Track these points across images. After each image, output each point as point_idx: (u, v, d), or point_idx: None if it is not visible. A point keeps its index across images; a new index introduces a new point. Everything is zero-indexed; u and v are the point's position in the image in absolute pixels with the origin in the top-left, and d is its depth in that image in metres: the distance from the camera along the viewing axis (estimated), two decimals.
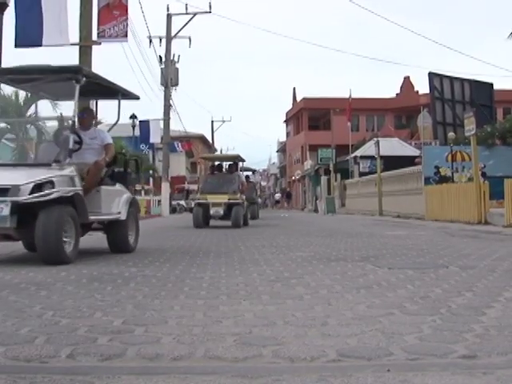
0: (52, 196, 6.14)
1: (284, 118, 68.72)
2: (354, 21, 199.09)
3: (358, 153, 36.04)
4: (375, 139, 28.99)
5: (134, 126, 32.02)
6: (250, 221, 19.15)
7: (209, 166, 17.80)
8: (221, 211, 15.55)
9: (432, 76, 26.05)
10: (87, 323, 3.14)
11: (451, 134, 21.52)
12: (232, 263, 6.34)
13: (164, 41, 28.75)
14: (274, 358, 2.46)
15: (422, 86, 42.40)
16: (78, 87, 6.86)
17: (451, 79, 26.76)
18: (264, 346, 2.62)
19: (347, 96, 39.44)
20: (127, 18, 12.86)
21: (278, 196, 69.12)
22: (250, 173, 28.85)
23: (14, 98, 25.67)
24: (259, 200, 51.04)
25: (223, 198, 15.60)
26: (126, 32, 12.94)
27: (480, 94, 26.28)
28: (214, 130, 56.99)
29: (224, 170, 18.35)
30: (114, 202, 7.57)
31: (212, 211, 15.66)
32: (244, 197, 16.58)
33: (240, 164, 19.46)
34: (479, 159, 16.73)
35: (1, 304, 3.77)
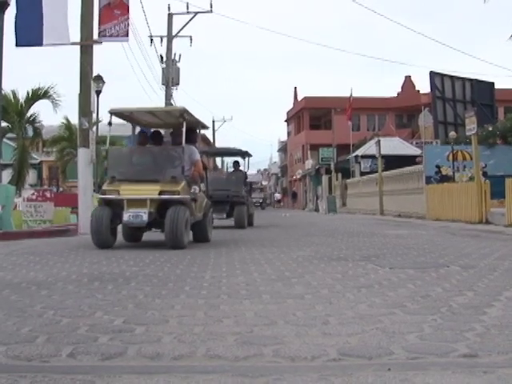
0: None
1: (285, 117, 68.71)
2: (356, 20, 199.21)
3: (359, 152, 36.02)
4: (376, 138, 28.98)
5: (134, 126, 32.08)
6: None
7: (138, 136, 10.34)
8: (144, 216, 8.32)
9: (433, 75, 26.03)
10: (88, 322, 3.14)
11: (452, 134, 21.51)
12: (233, 263, 6.34)
13: (165, 40, 28.73)
14: (274, 357, 2.46)
15: (423, 86, 42.40)
16: None
17: (452, 78, 26.74)
18: (265, 345, 2.62)
19: (348, 95, 39.42)
20: (128, 18, 12.86)
21: (278, 196, 69.09)
22: (239, 158, 18.46)
23: (12, 97, 25.68)
24: (257, 199, 49.82)
25: (150, 191, 8.47)
26: (127, 31, 12.93)
27: (481, 93, 26.26)
28: (215, 129, 56.98)
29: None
30: None
31: (126, 216, 8.36)
32: (197, 189, 9.23)
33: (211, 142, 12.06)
34: (480, 158, 16.72)
35: (2, 303, 3.78)
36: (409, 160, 25.98)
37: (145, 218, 8.29)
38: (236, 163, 17.31)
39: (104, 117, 24.54)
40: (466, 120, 16.06)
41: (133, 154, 9.87)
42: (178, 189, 8.47)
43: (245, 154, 17.66)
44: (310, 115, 57.28)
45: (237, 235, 11.91)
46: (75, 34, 13.07)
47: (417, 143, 34.17)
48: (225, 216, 15.26)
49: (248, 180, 17.56)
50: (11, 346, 2.61)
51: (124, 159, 9.90)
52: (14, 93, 25.90)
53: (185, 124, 8.98)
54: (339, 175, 37.14)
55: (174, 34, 28.82)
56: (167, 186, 8.51)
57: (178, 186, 8.50)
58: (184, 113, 9.21)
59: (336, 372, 2.24)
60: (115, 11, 12.88)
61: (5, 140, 25.51)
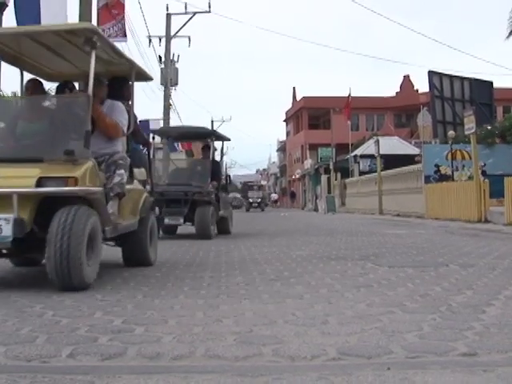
0: None
1: (284, 117, 68.69)
2: (354, 20, 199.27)
3: (358, 152, 36.04)
4: (375, 138, 28.97)
5: None
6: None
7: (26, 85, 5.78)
8: (4, 229, 4.24)
9: (432, 74, 26.02)
10: (87, 323, 3.14)
11: (451, 133, 21.51)
12: (232, 262, 6.34)
13: (163, 40, 28.74)
14: (274, 356, 2.46)
15: (422, 85, 42.48)
16: None
17: (451, 78, 26.73)
18: (264, 345, 2.62)
19: (347, 95, 39.45)
20: (124, 17, 12.85)
21: (274, 196, 69.07)
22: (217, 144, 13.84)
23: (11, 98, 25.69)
24: (254, 198, 46.46)
25: (20, 179, 4.47)
26: (125, 31, 12.92)
27: (480, 92, 26.25)
28: (214, 129, 56.92)
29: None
30: None
31: None
32: (124, 175, 5.32)
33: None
34: (479, 158, 16.73)
35: (1, 304, 3.77)
36: (408, 159, 25.97)
37: (7, 231, 4.27)
38: (205, 149, 12.61)
39: None
40: (465, 119, 16.07)
41: (10, 110, 5.72)
42: (75, 174, 4.47)
43: (213, 135, 12.56)
44: (309, 115, 57.26)
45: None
46: None
47: (416, 142, 34.19)
48: (181, 221, 11.02)
49: (225, 172, 13.81)
50: (11, 347, 2.61)
51: None
52: (14, 94, 25.89)
53: (94, 54, 4.89)
54: (338, 175, 37.12)
55: (172, 35, 28.82)
56: (55, 168, 4.54)
57: (76, 170, 4.52)
58: (93, 35, 4.88)
59: (335, 371, 2.24)
60: (112, 11, 12.89)
61: None
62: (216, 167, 12.10)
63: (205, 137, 12.96)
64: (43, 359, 2.44)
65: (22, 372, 2.25)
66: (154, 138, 11.74)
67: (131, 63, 6.01)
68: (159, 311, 3.49)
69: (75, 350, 2.56)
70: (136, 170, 6.12)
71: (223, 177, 13.03)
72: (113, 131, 5.50)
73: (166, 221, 10.61)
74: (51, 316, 3.35)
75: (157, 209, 6.95)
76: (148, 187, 6.57)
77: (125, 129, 5.66)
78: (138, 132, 6.52)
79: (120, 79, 6.11)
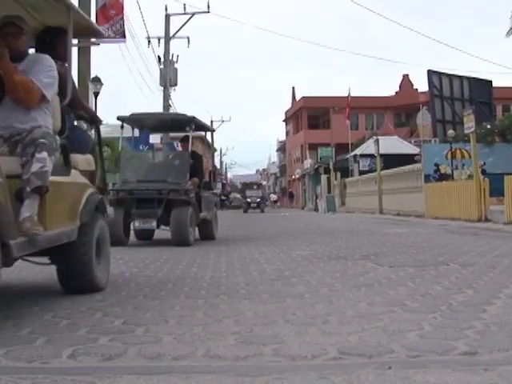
0: None
1: (283, 117, 68.69)
2: (353, 19, 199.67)
3: (358, 151, 36.04)
4: (375, 137, 28.99)
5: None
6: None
7: None
8: None
9: (431, 74, 26.05)
10: (88, 323, 3.14)
11: (451, 132, 21.53)
12: (232, 262, 6.34)
13: (162, 41, 28.73)
14: (274, 356, 2.46)
15: (421, 84, 42.48)
16: None
17: (450, 77, 26.78)
18: (265, 345, 2.62)
19: (346, 94, 39.46)
20: (123, 17, 12.83)
21: (274, 196, 69.09)
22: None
23: None
24: (253, 198, 44.43)
25: None
26: (124, 31, 12.92)
27: (479, 91, 26.29)
28: (214, 129, 56.81)
29: None
30: None
31: None
32: (45, 159, 3.47)
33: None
34: (479, 156, 16.73)
35: (1, 305, 3.77)
36: (407, 158, 25.95)
37: None
38: (185, 140, 10.83)
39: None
40: (465, 118, 16.07)
41: None
42: None
43: (192, 123, 10.31)
44: (309, 115, 57.26)
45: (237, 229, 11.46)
46: None
47: (415, 142, 34.18)
48: (154, 224, 9.41)
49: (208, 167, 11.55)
50: (11, 348, 2.60)
51: None
52: None
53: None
54: (338, 174, 37.12)
55: (171, 35, 28.81)
56: None
57: None
58: None
59: (336, 371, 2.23)
60: (111, 11, 12.88)
61: None
62: (197, 161, 10.36)
63: (183, 125, 10.67)
64: (44, 360, 2.44)
65: (23, 373, 2.25)
66: (122, 126, 10.12)
67: (69, 8, 4.21)
68: (159, 311, 3.49)
69: (76, 350, 2.56)
70: (79, 157, 4.37)
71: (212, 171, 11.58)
72: (23, 92, 3.68)
73: (137, 224, 9.25)
74: (51, 317, 3.35)
75: (111, 210, 5.03)
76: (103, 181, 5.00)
77: (49, 92, 3.83)
78: (80, 103, 4.83)
79: (52, 29, 4.43)
